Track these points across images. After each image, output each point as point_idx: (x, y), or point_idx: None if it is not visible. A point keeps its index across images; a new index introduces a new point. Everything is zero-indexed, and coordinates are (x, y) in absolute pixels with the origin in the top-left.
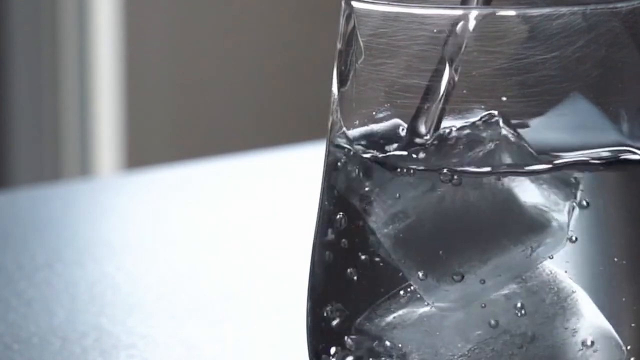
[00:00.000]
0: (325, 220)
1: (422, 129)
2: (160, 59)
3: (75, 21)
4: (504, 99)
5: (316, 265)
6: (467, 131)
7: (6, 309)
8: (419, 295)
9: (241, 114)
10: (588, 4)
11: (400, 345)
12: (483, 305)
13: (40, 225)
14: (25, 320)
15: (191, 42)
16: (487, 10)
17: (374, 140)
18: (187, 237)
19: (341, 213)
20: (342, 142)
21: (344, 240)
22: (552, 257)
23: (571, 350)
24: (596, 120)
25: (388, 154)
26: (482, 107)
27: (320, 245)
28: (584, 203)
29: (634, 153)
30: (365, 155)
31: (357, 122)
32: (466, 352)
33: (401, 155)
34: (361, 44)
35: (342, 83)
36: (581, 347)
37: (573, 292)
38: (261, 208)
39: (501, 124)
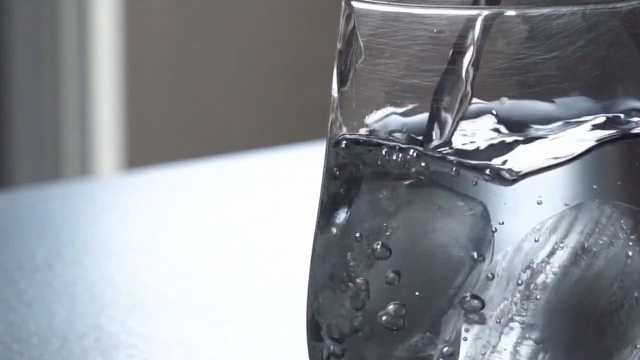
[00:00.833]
0: (325, 220)
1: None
2: (160, 59)
3: (75, 21)
4: (504, 99)
5: (316, 264)
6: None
7: (6, 309)
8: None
9: (241, 114)
10: (588, 4)
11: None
12: None
13: (40, 225)
14: (25, 320)
15: (191, 42)
16: (487, 11)
17: (374, 140)
18: (187, 237)
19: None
20: (342, 142)
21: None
22: None
23: None
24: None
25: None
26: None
27: (321, 244)
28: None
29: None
30: (365, 155)
31: (357, 122)
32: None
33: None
34: (361, 44)
35: (342, 83)
36: None
37: None
38: (261, 208)
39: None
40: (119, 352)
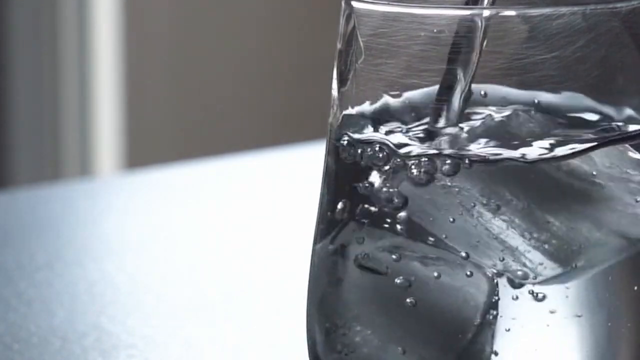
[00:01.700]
0: (325, 219)
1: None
2: (160, 59)
3: (75, 21)
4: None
5: (316, 264)
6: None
7: (6, 309)
8: None
9: (241, 114)
10: (588, 4)
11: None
12: None
13: (40, 225)
14: (25, 320)
15: (191, 43)
16: (487, 11)
17: (374, 140)
18: (187, 237)
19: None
20: (342, 141)
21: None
22: None
23: None
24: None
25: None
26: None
27: (321, 244)
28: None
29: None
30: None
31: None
32: None
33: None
34: (361, 44)
35: (342, 83)
36: None
37: None
38: (261, 208)
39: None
40: (119, 352)
